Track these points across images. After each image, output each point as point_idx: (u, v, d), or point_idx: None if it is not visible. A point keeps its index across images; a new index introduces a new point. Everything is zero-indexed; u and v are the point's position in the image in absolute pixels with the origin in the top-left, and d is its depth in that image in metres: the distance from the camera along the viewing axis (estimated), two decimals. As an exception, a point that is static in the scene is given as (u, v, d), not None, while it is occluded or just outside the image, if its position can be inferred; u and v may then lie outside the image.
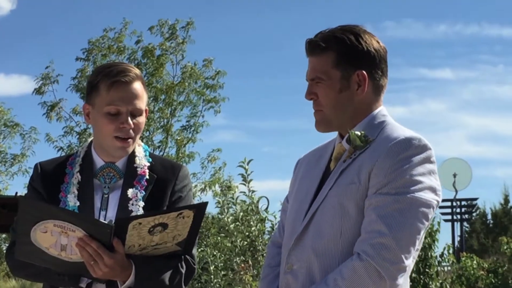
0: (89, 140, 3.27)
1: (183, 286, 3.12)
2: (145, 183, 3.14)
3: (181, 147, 22.30)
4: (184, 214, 2.90)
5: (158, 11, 35.22)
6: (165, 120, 22.61)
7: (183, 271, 3.07)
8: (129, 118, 3.09)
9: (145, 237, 2.89)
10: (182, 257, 3.07)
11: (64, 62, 34.62)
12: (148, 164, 3.19)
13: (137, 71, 3.14)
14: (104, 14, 33.34)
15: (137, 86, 3.10)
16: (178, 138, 22.35)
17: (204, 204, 3.04)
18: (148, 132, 22.29)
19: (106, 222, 2.95)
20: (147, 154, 3.24)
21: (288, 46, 35.95)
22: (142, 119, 3.14)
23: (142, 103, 3.12)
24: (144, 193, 3.12)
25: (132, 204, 3.08)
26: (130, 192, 3.10)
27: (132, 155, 3.18)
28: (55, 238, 2.86)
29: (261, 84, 36.10)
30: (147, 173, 3.15)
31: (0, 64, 38.67)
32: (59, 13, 33.44)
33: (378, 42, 2.92)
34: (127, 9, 34.03)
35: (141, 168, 3.16)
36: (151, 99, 21.79)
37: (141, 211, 3.08)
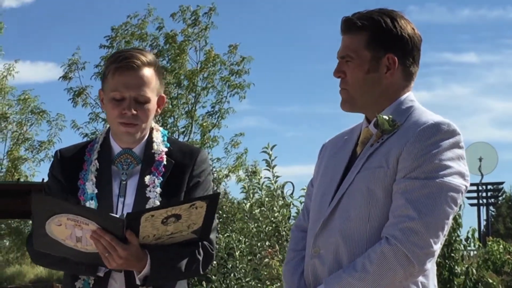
0: (108, 126, 3.29)
1: (201, 272, 3.11)
2: (163, 169, 3.14)
3: (206, 132, 22.33)
4: (196, 205, 2.91)
5: None
6: (189, 106, 22.68)
7: (200, 258, 3.08)
8: (133, 105, 3.07)
9: (159, 227, 2.90)
10: (199, 243, 3.07)
11: (91, 49, 34.58)
12: (166, 149, 3.18)
13: (147, 57, 3.11)
14: (129, 0, 33.65)
15: (145, 72, 3.08)
16: (203, 124, 22.42)
17: (217, 195, 3.08)
18: (172, 118, 22.38)
19: (117, 216, 2.96)
20: (165, 139, 3.22)
21: (312, 32, 35.80)
22: (150, 106, 3.11)
23: (149, 90, 3.10)
24: (161, 179, 3.12)
25: (150, 191, 3.09)
26: (147, 178, 3.10)
27: (150, 141, 3.17)
28: (69, 231, 2.88)
29: (285, 69, 36.06)
30: (165, 159, 3.15)
31: (26, 52, 38.93)
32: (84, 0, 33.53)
33: (413, 29, 2.90)
34: None
35: (158, 154, 3.15)
36: (174, 85, 22.04)
37: (158, 198, 3.08)
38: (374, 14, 2.89)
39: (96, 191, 3.09)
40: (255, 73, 25.36)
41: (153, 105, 3.12)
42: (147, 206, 3.05)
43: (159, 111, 3.21)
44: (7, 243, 25.08)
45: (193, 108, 22.72)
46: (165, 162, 3.15)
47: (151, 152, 3.16)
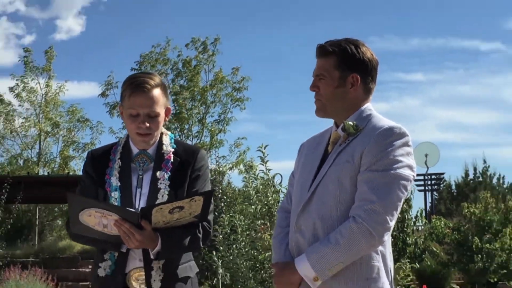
0: (127, 134, 3.30)
1: (201, 246, 3.12)
2: (170, 166, 3.14)
3: (214, 136, 22.50)
4: (195, 199, 2.93)
5: (193, 27, 35.42)
6: (201, 115, 22.70)
7: (200, 235, 3.09)
8: (146, 119, 3.07)
9: (167, 216, 2.92)
10: (199, 224, 3.08)
11: (124, 71, 34.99)
12: (173, 150, 3.18)
13: (155, 81, 3.10)
14: (152, 32, 33.95)
15: (154, 93, 3.07)
16: (212, 129, 22.53)
17: (210, 192, 3.07)
18: (187, 125, 22.40)
19: (133, 210, 2.96)
20: (172, 141, 3.22)
21: (296, 57, 36.05)
22: (159, 119, 3.12)
23: (158, 106, 3.09)
24: (169, 173, 3.12)
25: (160, 183, 3.09)
26: (158, 173, 3.11)
27: (160, 143, 3.17)
28: (97, 220, 2.90)
29: (277, 85, 36.50)
30: (172, 157, 3.15)
31: (74, 73, 39.11)
32: (118, 32, 33.80)
33: (372, 55, 2.92)
34: (169, 27, 34.67)
35: (167, 154, 3.15)
36: (189, 99, 22.12)
37: (167, 188, 3.09)
38: (342, 42, 2.89)
39: (119, 184, 3.09)
40: (253, 88, 25.66)
41: (162, 117, 3.13)
42: (158, 196, 3.07)
43: (167, 119, 3.22)
44: (60, 223, 25.26)
45: (204, 117, 22.74)
46: (172, 160, 3.15)
47: (161, 152, 3.16)
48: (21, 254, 16.95)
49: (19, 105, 22.50)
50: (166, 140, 3.20)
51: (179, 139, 3.59)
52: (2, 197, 13.06)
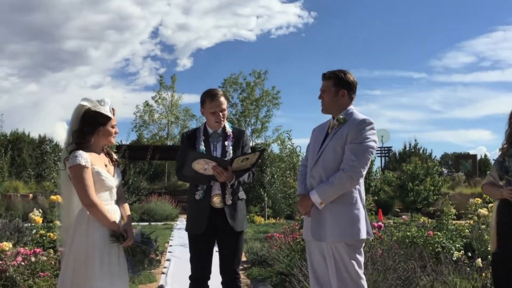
0: (205, 121, 3.50)
1: (251, 181, 3.37)
2: (232, 139, 3.39)
3: (263, 124, 26.94)
4: (256, 154, 3.19)
5: (251, 60, 42.44)
6: (256, 113, 26.86)
7: (252, 175, 3.37)
8: (220, 113, 3.34)
9: (239, 163, 3.15)
10: (252, 169, 3.33)
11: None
12: (231, 130, 3.42)
13: (221, 93, 3.37)
14: (230, 67, 42.81)
15: (223, 99, 3.34)
16: (262, 120, 26.82)
17: (263, 150, 3.36)
18: (248, 118, 26.81)
19: (226, 160, 3.19)
20: (230, 126, 3.44)
21: (308, 81, 40.00)
22: (225, 113, 3.36)
23: (225, 106, 3.34)
24: (231, 143, 3.39)
25: (226, 150, 3.36)
26: (226, 143, 3.37)
27: (224, 127, 3.41)
28: (202, 165, 3.15)
29: (298, 96, 40.59)
30: (232, 134, 3.41)
31: (187, 89, 43.75)
32: (209, 67, 39.48)
33: (353, 78, 3.06)
34: (239, 63, 44.49)
35: (228, 132, 3.41)
36: (249, 104, 26.79)
37: (230, 152, 3.34)
38: (336, 71, 3.07)
39: (204, 149, 3.37)
40: (284, 96, 29.75)
41: (226, 112, 3.37)
42: (227, 155, 3.29)
43: (227, 113, 3.42)
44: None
45: (257, 114, 26.79)
46: (232, 136, 3.41)
47: (225, 132, 3.41)
48: (157, 187, 20.08)
49: (157, 106, 27.03)
50: (227, 125, 3.42)
51: (235, 125, 3.82)
52: (147, 156, 16.04)
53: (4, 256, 4.54)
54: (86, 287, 2.62)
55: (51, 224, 6.61)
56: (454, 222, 7.00)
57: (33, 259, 4.23)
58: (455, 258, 4.95)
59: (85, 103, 2.83)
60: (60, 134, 31.38)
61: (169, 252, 7.66)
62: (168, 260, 6.82)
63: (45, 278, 3.90)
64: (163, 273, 6.02)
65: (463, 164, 23.69)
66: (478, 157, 27.14)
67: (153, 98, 27.38)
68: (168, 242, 8.75)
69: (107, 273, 2.69)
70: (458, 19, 40.10)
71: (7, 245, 4.81)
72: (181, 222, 12.89)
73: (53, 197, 6.90)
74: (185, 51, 39.88)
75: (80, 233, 2.74)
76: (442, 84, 39.33)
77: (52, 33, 35.98)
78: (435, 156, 29.70)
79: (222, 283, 3.36)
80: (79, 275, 2.66)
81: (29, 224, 6.60)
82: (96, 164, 2.80)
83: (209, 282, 3.36)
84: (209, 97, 3.31)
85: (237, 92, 26.76)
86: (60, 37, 36.39)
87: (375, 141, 2.95)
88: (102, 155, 2.93)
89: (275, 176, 13.56)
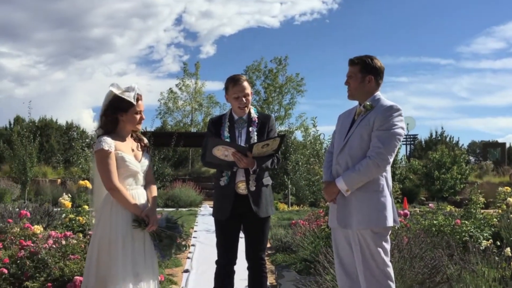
0: (231, 107, 3.49)
1: (276, 167, 3.37)
2: (256, 125, 3.37)
3: (287, 111, 26.99)
4: (276, 139, 3.17)
5: (274, 47, 42.28)
6: (279, 100, 26.86)
7: (275, 161, 3.34)
8: (243, 98, 3.33)
9: (260, 149, 3.14)
10: (275, 155, 3.31)
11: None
12: (257, 116, 3.39)
13: (244, 78, 3.34)
14: (253, 54, 42.61)
15: (246, 84, 3.32)
16: (285, 107, 26.87)
17: (283, 136, 3.33)
18: (272, 105, 26.74)
19: (244, 146, 3.19)
20: (255, 111, 3.43)
21: (332, 66, 40.34)
22: (249, 98, 3.33)
23: (249, 91, 3.32)
24: (256, 128, 3.36)
25: (251, 136, 3.35)
26: (250, 129, 3.36)
27: (249, 112, 3.39)
28: (222, 152, 3.16)
29: (323, 81, 40.33)
30: (257, 120, 3.39)
31: (210, 76, 44.59)
32: (231, 54, 39.48)
33: (380, 64, 3.02)
34: (261, 50, 41.24)
35: (254, 118, 3.40)
36: (273, 91, 26.84)
37: (255, 137, 3.32)
38: (363, 57, 3.03)
39: (229, 135, 3.36)
40: (308, 83, 29.81)
41: (250, 98, 3.35)
42: (251, 141, 3.27)
43: (251, 99, 3.41)
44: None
45: (281, 101, 26.84)
46: (257, 121, 3.39)
47: (251, 117, 3.40)
48: (181, 173, 20.31)
49: (181, 94, 27.14)
50: (252, 111, 3.41)
51: (260, 110, 4.19)
52: (172, 143, 16.26)
53: (36, 239, 4.67)
54: (110, 271, 2.70)
55: (79, 208, 6.77)
56: (482, 211, 6.87)
57: (63, 242, 4.35)
58: (483, 247, 4.86)
59: (113, 88, 2.86)
60: (86, 120, 32.03)
61: (193, 237, 7.79)
62: (193, 245, 6.93)
63: (75, 260, 4.01)
64: (188, 257, 6.12)
65: (491, 152, 23.19)
66: (507, 145, 26.55)
67: (177, 85, 27.51)
68: (192, 228, 8.84)
69: (130, 259, 2.75)
70: (488, 3, 39.13)
71: (38, 228, 4.96)
72: (205, 208, 13.04)
73: (81, 182, 7.06)
74: (209, 38, 40.14)
75: (105, 217, 2.81)
76: (470, 70, 38.34)
77: (78, 21, 36.54)
78: (462, 144, 29.22)
79: (248, 268, 3.40)
80: (103, 258, 2.74)
81: (59, 209, 6.75)
82: (122, 149, 2.85)
83: (235, 267, 3.41)
84: (232, 82, 3.33)
85: (260, 79, 26.65)
86: (85, 25, 36.94)
87: (402, 128, 2.91)
88: (130, 140, 2.97)
89: (300, 163, 13.60)
